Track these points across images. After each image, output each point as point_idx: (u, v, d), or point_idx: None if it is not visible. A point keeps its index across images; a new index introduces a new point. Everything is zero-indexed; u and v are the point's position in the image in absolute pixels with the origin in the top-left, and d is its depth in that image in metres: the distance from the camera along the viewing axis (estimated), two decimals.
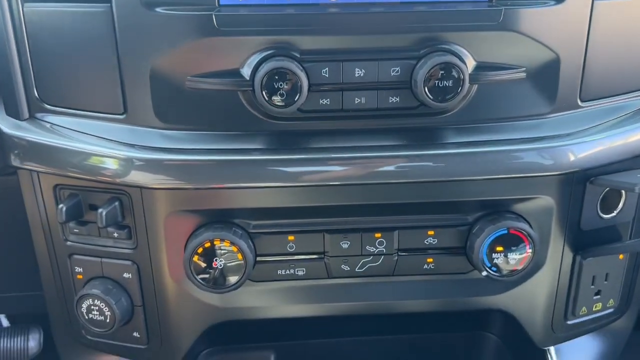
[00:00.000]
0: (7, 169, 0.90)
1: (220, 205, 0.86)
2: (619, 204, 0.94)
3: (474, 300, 0.96)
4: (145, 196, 0.86)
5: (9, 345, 1.46)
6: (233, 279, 0.87)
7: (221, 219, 0.88)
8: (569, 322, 1.01)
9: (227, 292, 0.88)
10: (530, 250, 0.88)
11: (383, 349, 1.27)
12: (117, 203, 0.87)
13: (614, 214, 0.94)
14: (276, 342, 1.25)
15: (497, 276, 0.88)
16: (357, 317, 1.23)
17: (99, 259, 0.92)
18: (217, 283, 0.87)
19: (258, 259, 0.90)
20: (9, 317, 1.59)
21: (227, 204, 0.86)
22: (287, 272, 0.92)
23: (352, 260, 0.92)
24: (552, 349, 1.05)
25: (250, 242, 0.88)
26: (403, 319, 1.26)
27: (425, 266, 0.93)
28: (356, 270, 0.92)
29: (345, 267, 0.92)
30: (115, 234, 0.90)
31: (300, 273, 0.92)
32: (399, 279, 0.94)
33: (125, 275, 0.92)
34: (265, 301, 0.95)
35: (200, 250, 0.86)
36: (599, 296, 1.00)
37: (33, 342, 1.48)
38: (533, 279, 0.95)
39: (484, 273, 0.88)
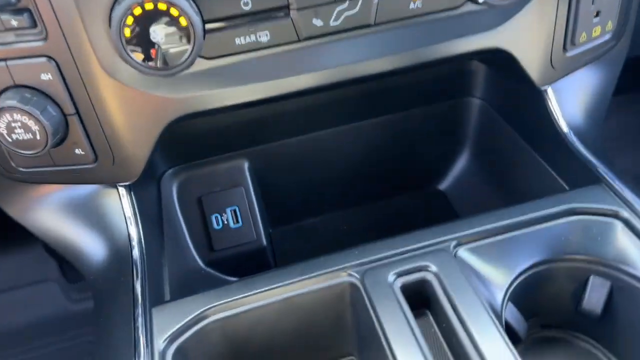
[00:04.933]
0: None
1: None
2: None
3: (468, 40, 0.82)
4: None
5: None
6: (181, 54, 0.69)
7: None
8: (568, 54, 0.89)
9: (177, 72, 0.70)
10: None
11: (365, 135, 1.16)
12: None
13: None
14: (248, 148, 1.11)
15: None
16: (336, 105, 1.10)
17: (3, 63, 0.71)
18: (163, 62, 0.69)
19: (208, 26, 0.72)
20: None
21: None
22: (248, 39, 0.74)
23: (324, 10, 0.74)
24: (549, 90, 0.95)
25: (193, 2, 0.69)
26: (386, 100, 1.14)
27: (412, 5, 0.76)
28: (331, 23, 0.75)
29: (318, 22, 0.75)
30: (14, 22, 0.68)
31: (264, 39, 0.75)
32: (381, 29, 0.78)
33: (44, 77, 0.72)
34: (226, 83, 0.77)
35: (130, 21, 0.66)
36: (598, 18, 0.88)
37: None
38: (529, 7, 0.81)
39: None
